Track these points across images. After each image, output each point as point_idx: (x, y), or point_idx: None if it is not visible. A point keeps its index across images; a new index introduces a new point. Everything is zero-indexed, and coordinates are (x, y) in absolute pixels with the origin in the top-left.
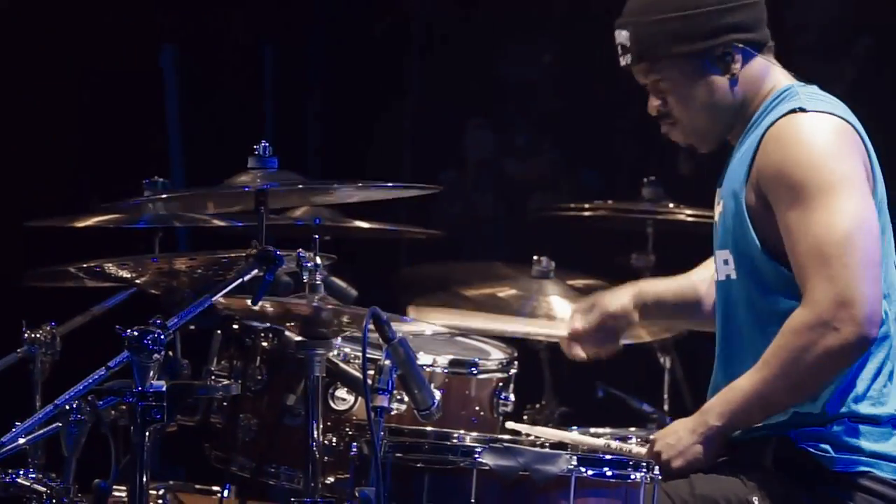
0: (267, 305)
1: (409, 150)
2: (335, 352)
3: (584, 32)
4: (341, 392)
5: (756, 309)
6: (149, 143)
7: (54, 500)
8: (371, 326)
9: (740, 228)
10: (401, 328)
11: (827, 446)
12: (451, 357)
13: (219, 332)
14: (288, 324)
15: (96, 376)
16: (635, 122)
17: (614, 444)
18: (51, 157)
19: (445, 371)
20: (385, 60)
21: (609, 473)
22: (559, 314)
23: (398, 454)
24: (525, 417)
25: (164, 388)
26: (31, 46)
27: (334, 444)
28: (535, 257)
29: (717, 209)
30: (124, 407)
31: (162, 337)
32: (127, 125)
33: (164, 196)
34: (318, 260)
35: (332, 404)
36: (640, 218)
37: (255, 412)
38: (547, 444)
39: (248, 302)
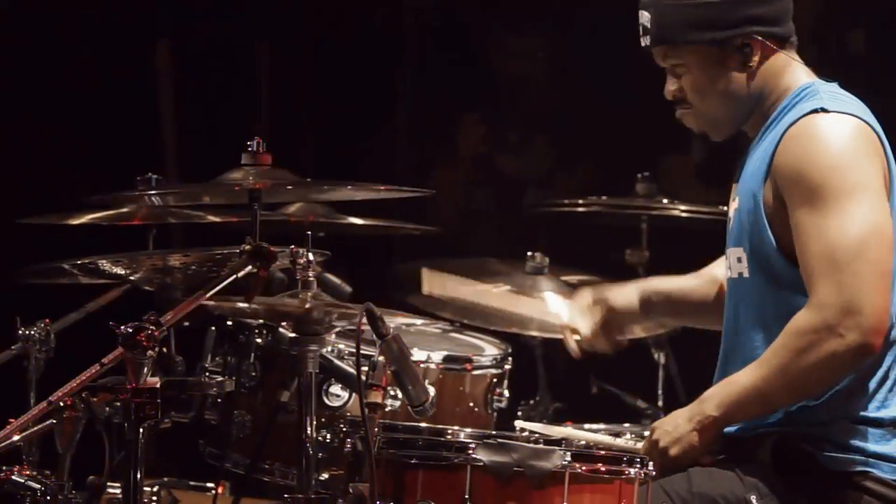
0: (258, 304)
1: (403, 146)
2: (329, 348)
3: (578, 28)
4: (335, 388)
5: (767, 308)
6: (143, 140)
7: (49, 497)
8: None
9: (756, 227)
10: (395, 321)
11: (827, 446)
12: (445, 353)
13: (213, 328)
14: (281, 321)
15: (91, 373)
16: (629, 117)
17: (617, 440)
18: (45, 154)
19: (439, 367)
20: (379, 57)
21: (603, 469)
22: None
23: (392, 450)
24: (519, 413)
25: (158, 385)
26: (26, 43)
27: (328, 441)
28: (528, 253)
29: (733, 205)
30: (118, 403)
31: (156, 333)
32: (121, 122)
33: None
34: (312, 256)
35: (326, 401)
36: (635, 214)
37: (250, 409)
38: (542, 440)
39: (240, 304)
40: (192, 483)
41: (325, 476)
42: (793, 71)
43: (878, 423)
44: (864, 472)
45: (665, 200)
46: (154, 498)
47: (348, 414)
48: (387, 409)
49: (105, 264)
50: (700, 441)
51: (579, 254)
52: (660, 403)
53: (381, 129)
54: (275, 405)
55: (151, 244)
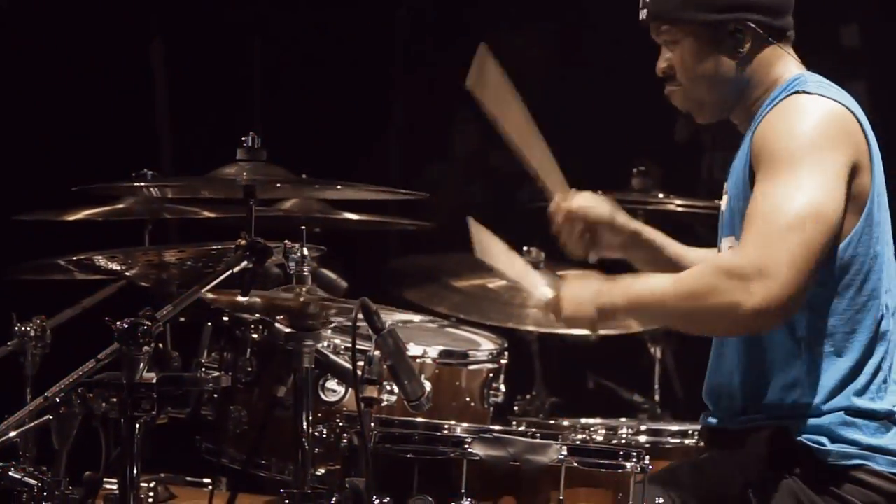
0: (255, 299)
1: (397, 142)
2: (325, 343)
3: (572, 22)
4: (331, 383)
5: None
6: (138, 136)
7: (45, 493)
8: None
9: (742, 214)
10: (391, 317)
11: (823, 439)
12: (441, 348)
13: (209, 324)
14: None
15: (86, 369)
16: (625, 111)
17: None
18: (39, 150)
19: (436, 362)
20: (373, 52)
21: (599, 464)
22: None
23: (388, 445)
24: (516, 408)
25: (154, 381)
26: (21, 41)
27: (324, 436)
28: (524, 248)
29: (724, 198)
30: (115, 399)
31: (152, 329)
32: (116, 118)
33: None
34: (306, 251)
35: (323, 396)
36: (630, 208)
37: (246, 404)
38: (538, 434)
39: (238, 298)
40: (188, 478)
41: (321, 471)
42: (784, 63)
43: (872, 415)
44: (860, 465)
45: (661, 195)
46: (150, 493)
47: (344, 409)
48: (383, 404)
49: (100, 260)
50: (594, 319)
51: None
52: (656, 398)
53: (376, 124)
54: (271, 400)
55: (147, 240)
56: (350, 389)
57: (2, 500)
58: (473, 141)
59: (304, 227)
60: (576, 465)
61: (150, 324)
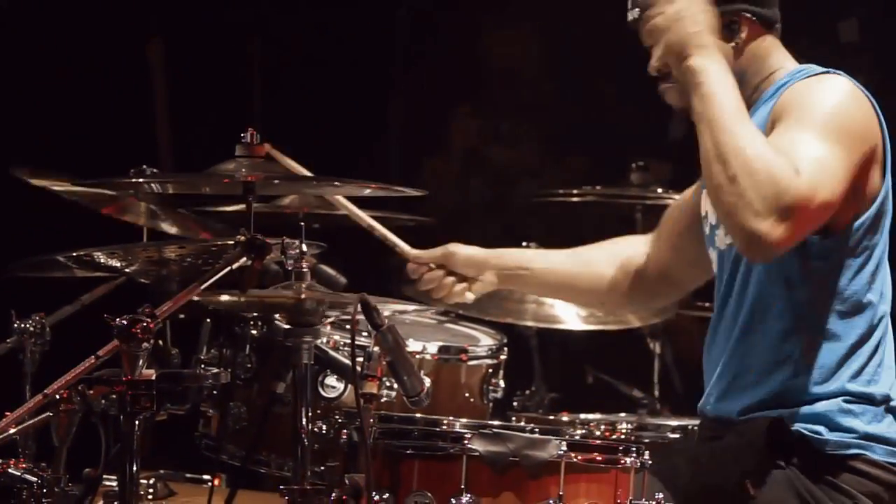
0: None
1: (395, 138)
2: (324, 339)
3: (570, 18)
4: (331, 380)
5: (767, 273)
6: (137, 134)
7: (45, 490)
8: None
9: None
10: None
11: (820, 428)
12: (440, 343)
13: (208, 320)
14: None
15: (86, 366)
16: (623, 107)
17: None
18: (39, 148)
19: (435, 357)
20: (372, 48)
21: (599, 458)
22: (547, 301)
23: (388, 441)
24: (515, 404)
25: (153, 377)
26: (20, 39)
27: (324, 432)
28: (523, 244)
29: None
30: (114, 396)
31: (151, 326)
32: (115, 117)
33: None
34: (305, 248)
35: (322, 392)
36: (629, 203)
37: (245, 400)
38: (538, 430)
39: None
40: (188, 475)
41: (320, 467)
42: (780, 54)
43: (869, 399)
44: (857, 455)
45: (659, 190)
46: (150, 490)
47: (344, 405)
48: (382, 400)
49: (100, 256)
50: (683, 47)
51: (573, 244)
52: (655, 393)
53: (374, 121)
54: (270, 397)
55: (146, 236)
56: (349, 385)
57: (2, 497)
58: (471, 137)
59: (302, 224)
60: (575, 460)
61: (149, 320)
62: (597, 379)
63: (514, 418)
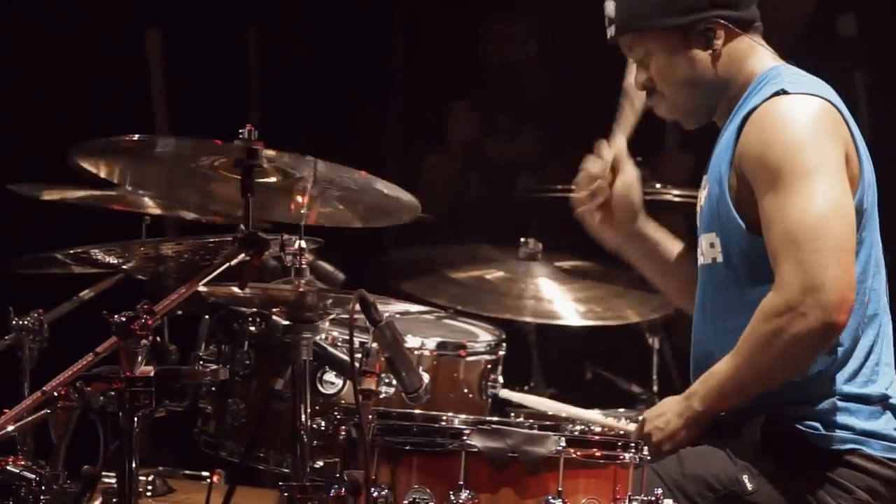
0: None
1: (393, 132)
2: (323, 336)
3: (568, 12)
4: (329, 376)
5: (743, 291)
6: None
7: (44, 487)
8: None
9: (725, 210)
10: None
11: (817, 424)
12: (439, 340)
13: (206, 317)
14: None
15: (84, 363)
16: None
17: (608, 419)
18: (35, 142)
19: (433, 353)
20: (370, 43)
21: (598, 454)
22: (546, 297)
23: (386, 437)
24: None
25: (152, 374)
26: (17, 32)
27: (323, 428)
28: (522, 239)
29: (702, 193)
30: (113, 393)
31: (150, 322)
32: (112, 109)
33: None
34: (304, 244)
35: (321, 388)
36: None
37: (244, 397)
38: (536, 425)
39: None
40: (186, 471)
41: (319, 463)
42: (757, 55)
43: (865, 399)
44: (854, 450)
45: (658, 185)
46: (149, 487)
47: (342, 401)
48: (381, 396)
49: (98, 253)
50: (688, 435)
51: (572, 239)
52: (654, 388)
53: (372, 116)
54: (269, 393)
55: (144, 233)
56: (348, 382)
57: (0, 495)
58: (470, 132)
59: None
60: (574, 455)
61: (147, 317)
62: (595, 374)
63: (512, 414)
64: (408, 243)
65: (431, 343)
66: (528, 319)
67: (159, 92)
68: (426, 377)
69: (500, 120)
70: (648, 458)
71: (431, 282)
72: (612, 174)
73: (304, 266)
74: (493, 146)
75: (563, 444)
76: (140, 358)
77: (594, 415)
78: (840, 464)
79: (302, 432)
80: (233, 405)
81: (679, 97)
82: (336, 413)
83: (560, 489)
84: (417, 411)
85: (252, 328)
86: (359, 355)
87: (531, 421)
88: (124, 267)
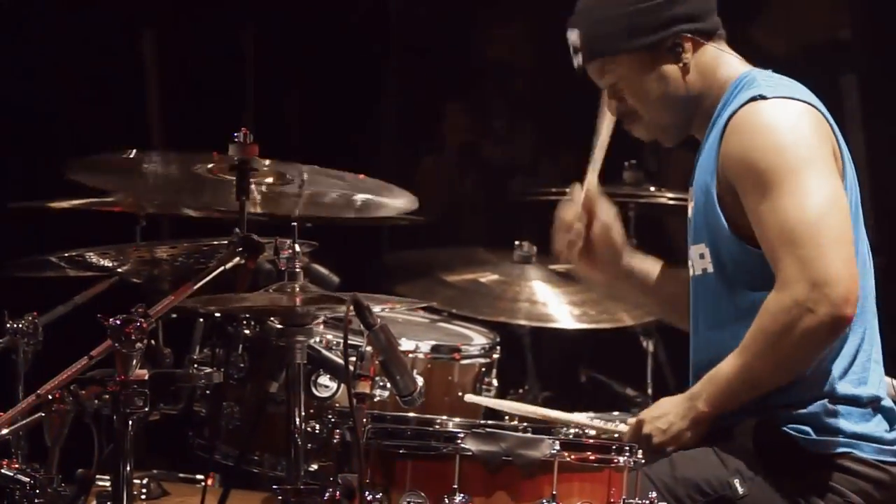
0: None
1: (388, 135)
2: (317, 339)
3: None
4: (324, 379)
5: (735, 300)
6: (130, 129)
7: (38, 491)
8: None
9: (713, 220)
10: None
11: (807, 428)
12: (433, 343)
13: (201, 320)
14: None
15: (79, 366)
16: None
17: (598, 422)
18: (30, 144)
19: (428, 357)
20: (364, 45)
21: (592, 458)
22: (541, 300)
23: (381, 440)
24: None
25: (146, 377)
26: (12, 33)
27: (317, 432)
28: (516, 242)
29: (690, 205)
30: (107, 396)
31: (144, 326)
32: (108, 111)
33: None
34: (298, 247)
35: (315, 391)
36: (622, 202)
37: (238, 400)
38: (530, 430)
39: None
40: (181, 475)
41: (314, 467)
42: (727, 63)
43: (856, 401)
44: (845, 453)
45: (652, 188)
46: (143, 490)
47: (337, 404)
48: (375, 400)
49: (92, 257)
50: (693, 437)
51: None
52: (649, 391)
53: (367, 118)
54: (263, 396)
55: (139, 236)
56: (342, 385)
57: None
58: (464, 134)
59: (295, 223)
60: (569, 459)
61: (142, 320)
62: (590, 378)
63: (507, 417)
64: (402, 246)
65: (426, 346)
66: (523, 322)
67: (154, 94)
68: (420, 380)
69: (494, 122)
70: (643, 461)
71: (426, 285)
72: (588, 216)
73: (298, 270)
74: (488, 149)
75: (558, 447)
76: (134, 361)
77: (566, 416)
78: (831, 467)
79: (296, 435)
80: (227, 408)
81: (655, 116)
82: (330, 416)
83: (554, 493)
84: (412, 415)
85: (247, 331)
86: (353, 359)
87: (525, 424)
88: (119, 270)
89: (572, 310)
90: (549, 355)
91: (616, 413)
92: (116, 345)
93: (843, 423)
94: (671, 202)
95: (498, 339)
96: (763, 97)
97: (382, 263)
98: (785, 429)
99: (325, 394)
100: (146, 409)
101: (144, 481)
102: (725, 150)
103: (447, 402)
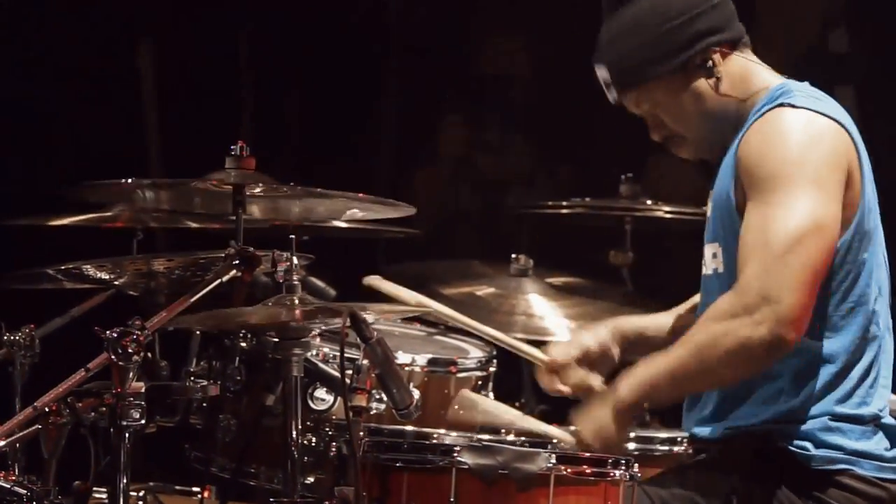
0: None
1: (385, 147)
2: (313, 352)
3: (560, 27)
4: (320, 392)
5: None
6: (126, 142)
7: (34, 503)
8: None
9: (729, 221)
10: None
11: (807, 444)
12: (429, 356)
13: (197, 332)
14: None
15: (76, 378)
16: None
17: (530, 420)
18: (26, 157)
19: (424, 370)
20: (360, 57)
21: (588, 471)
22: (537, 313)
23: (377, 454)
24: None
25: (143, 390)
26: (7, 45)
27: (313, 444)
28: (513, 255)
29: (709, 205)
30: (104, 409)
31: (141, 338)
32: (104, 124)
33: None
34: (295, 260)
35: (311, 404)
36: (618, 215)
37: (235, 413)
38: (527, 443)
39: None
40: (177, 487)
41: (310, 479)
42: (758, 73)
43: (858, 419)
44: (845, 470)
45: (649, 202)
46: (140, 502)
47: (333, 417)
48: (371, 413)
49: (89, 269)
50: (618, 428)
51: (563, 255)
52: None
53: (362, 130)
54: (260, 409)
55: (135, 249)
56: (339, 398)
57: None
58: (460, 147)
59: (293, 236)
60: (565, 472)
61: (139, 333)
62: None
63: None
64: (399, 259)
65: (422, 359)
66: (519, 335)
67: (151, 105)
68: (417, 393)
69: (491, 135)
70: (640, 475)
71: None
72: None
73: (295, 282)
74: (484, 161)
75: (554, 461)
76: (131, 374)
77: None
78: (831, 484)
79: (293, 448)
80: (224, 421)
81: (697, 133)
82: (327, 429)
83: None
84: (408, 428)
85: (243, 344)
86: (350, 372)
87: (522, 438)
88: (116, 283)
89: (568, 323)
90: None
91: None
92: (113, 357)
93: (844, 440)
94: (668, 216)
95: (494, 353)
96: (792, 105)
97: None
98: (784, 444)
99: (321, 407)
100: (143, 422)
101: (141, 494)
102: (742, 149)
103: (444, 416)
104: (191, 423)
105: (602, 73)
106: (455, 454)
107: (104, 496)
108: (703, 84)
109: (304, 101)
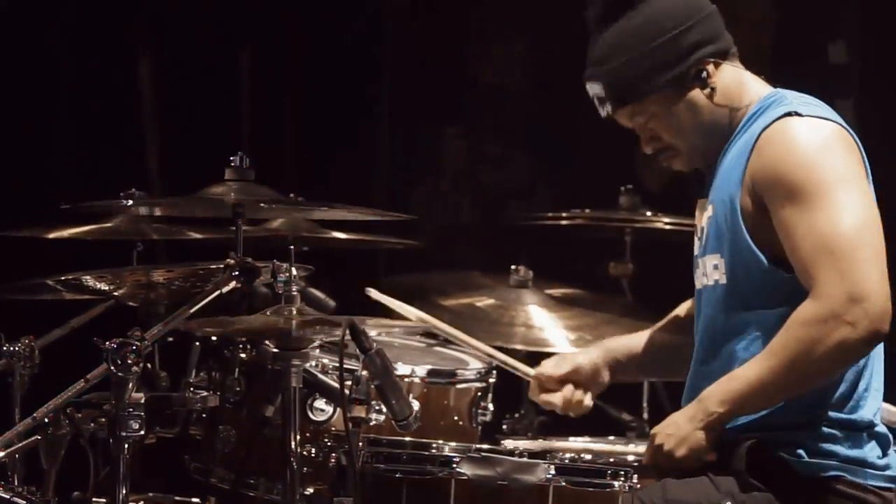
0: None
1: (385, 159)
2: (313, 363)
3: (559, 38)
4: (320, 403)
5: (745, 313)
6: (125, 154)
7: None
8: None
9: (734, 231)
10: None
11: (800, 451)
12: (429, 367)
13: (197, 343)
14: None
15: (75, 389)
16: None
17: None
18: (26, 169)
19: (423, 381)
20: (360, 69)
21: (587, 482)
22: (537, 324)
23: (376, 464)
24: (504, 427)
25: (142, 400)
26: (6, 59)
27: (313, 455)
28: (512, 266)
29: (706, 214)
30: (103, 419)
31: (140, 349)
32: (103, 137)
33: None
34: (295, 271)
35: (311, 415)
36: (618, 226)
37: (234, 424)
38: (526, 454)
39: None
40: (177, 498)
41: (309, 490)
42: (748, 82)
43: (852, 425)
44: (837, 477)
45: (648, 213)
46: None
47: (333, 428)
48: (371, 424)
49: (89, 280)
50: (706, 438)
51: (563, 267)
52: (645, 416)
53: (362, 142)
54: (259, 420)
55: (135, 260)
56: (338, 409)
57: None
58: (460, 159)
59: (292, 247)
60: (564, 484)
61: (138, 344)
62: None
63: (502, 442)
64: (399, 270)
65: (422, 370)
66: (519, 347)
67: (150, 118)
68: (416, 404)
69: (490, 147)
70: (638, 486)
71: (422, 309)
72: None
73: (295, 293)
74: (484, 173)
75: (553, 472)
76: (131, 384)
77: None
78: (824, 491)
79: (292, 459)
80: (223, 432)
81: (692, 144)
82: (326, 440)
83: None
84: (407, 439)
85: (243, 355)
86: (349, 383)
87: (521, 449)
88: (115, 293)
89: (568, 334)
90: None
91: (612, 438)
92: (112, 368)
93: (837, 448)
94: (667, 226)
95: (494, 364)
96: (798, 114)
97: (379, 287)
98: (778, 452)
99: (320, 417)
100: (142, 433)
101: None
102: (756, 162)
103: (443, 427)
104: (190, 433)
105: (595, 89)
106: (454, 465)
107: None
108: (698, 95)
109: (304, 113)
